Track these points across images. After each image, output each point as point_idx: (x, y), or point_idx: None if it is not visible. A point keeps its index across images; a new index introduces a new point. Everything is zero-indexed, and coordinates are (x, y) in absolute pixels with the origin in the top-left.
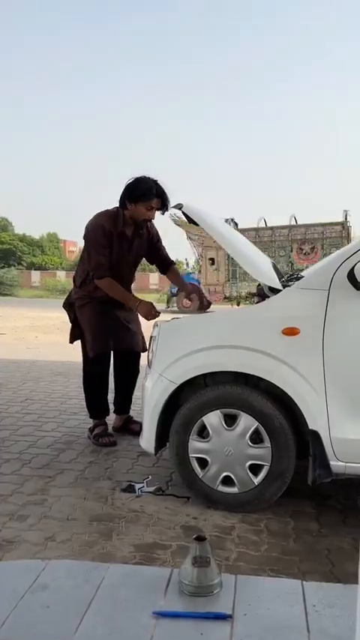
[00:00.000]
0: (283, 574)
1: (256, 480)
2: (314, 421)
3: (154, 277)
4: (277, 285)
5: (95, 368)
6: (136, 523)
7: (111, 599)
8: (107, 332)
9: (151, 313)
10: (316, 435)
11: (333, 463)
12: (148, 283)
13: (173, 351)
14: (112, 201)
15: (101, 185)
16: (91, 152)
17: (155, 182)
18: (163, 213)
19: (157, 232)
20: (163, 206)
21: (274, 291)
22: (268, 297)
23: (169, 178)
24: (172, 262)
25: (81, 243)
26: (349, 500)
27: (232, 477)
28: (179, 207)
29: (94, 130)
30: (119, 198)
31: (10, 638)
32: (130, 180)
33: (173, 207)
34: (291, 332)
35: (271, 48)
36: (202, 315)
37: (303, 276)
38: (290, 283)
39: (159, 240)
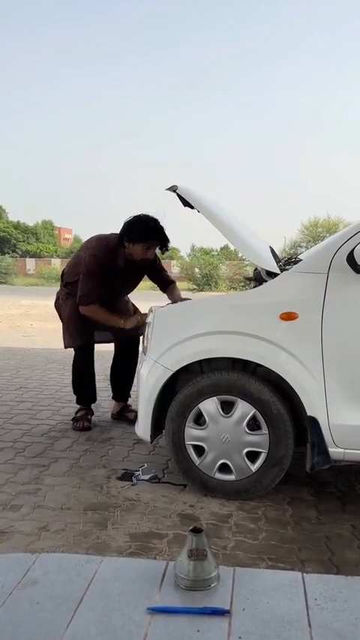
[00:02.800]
0: (282, 563)
1: (254, 468)
2: (312, 407)
3: None
4: (275, 268)
5: (78, 356)
6: (131, 512)
7: (104, 595)
8: (85, 325)
9: (140, 322)
10: (314, 421)
11: (332, 450)
12: None
13: (169, 337)
14: (107, 190)
15: (96, 172)
16: (86, 138)
17: (155, 222)
18: (163, 252)
19: (156, 255)
20: (163, 246)
21: (272, 275)
22: (266, 281)
23: (168, 164)
24: (172, 281)
25: (76, 231)
26: (348, 486)
27: (229, 464)
28: (174, 189)
29: (89, 116)
30: (119, 233)
31: None
32: (130, 218)
33: (167, 189)
34: (289, 317)
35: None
36: (198, 300)
37: (301, 260)
38: (288, 267)
39: (158, 262)
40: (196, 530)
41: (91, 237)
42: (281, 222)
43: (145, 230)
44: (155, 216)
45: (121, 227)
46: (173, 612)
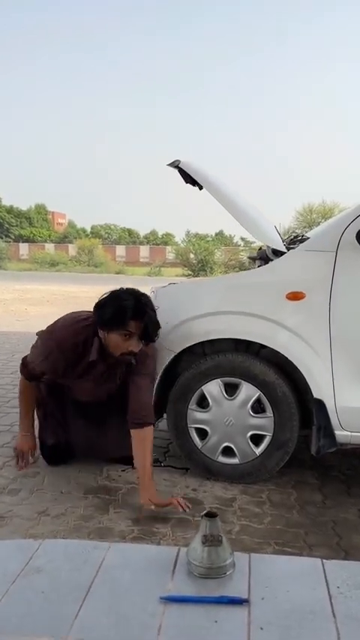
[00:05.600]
0: (289, 547)
1: (258, 451)
2: (319, 390)
3: (145, 250)
4: (281, 247)
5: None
6: (133, 496)
7: (113, 583)
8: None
9: (22, 455)
10: (320, 403)
11: (338, 433)
12: (139, 256)
13: (171, 318)
14: (101, 175)
15: (89, 155)
16: (79, 122)
17: (137, 298)
18: (146, 344)
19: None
20: (145, 335)
21: (278, 253)
22: (271, 260)
23: (163, 150)
24: (144, 423)
25: (70, 215)
26: (352, 470)
27: (233, 447)
28: (176, 164)
29: (84, 100)
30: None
31: (1, 628)
32: (102, 297)
33: (169, 164)
34: (295, 296)
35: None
36: (201, 279)
37: (308, 238)
38: (294, 246)
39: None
40: (211, 515)
41: (65, 315)
42: (274, 209)
43: (119, 310)
44: (138, 291)
45: (92, 309)
46: (188, 602)
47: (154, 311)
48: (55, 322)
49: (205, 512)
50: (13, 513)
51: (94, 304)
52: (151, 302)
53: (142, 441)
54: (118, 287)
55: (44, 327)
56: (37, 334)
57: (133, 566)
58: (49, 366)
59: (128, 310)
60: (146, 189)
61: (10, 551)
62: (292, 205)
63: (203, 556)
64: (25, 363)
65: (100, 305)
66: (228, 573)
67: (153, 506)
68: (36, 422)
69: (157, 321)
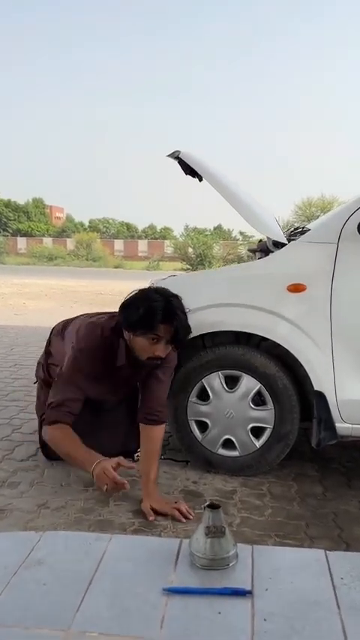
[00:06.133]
0: (290, 539)
1: (258, 443)
2: (320, 382)
3: (143, 244)
4: (282, 238)
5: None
6: (133, 488)
7: (115, 575)
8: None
9: (107, 482)
10: (321, 396)
11: (339, 425)
12: (137, 251)
13: None
14: (99, 169)
15: (87, 150)
16: (77, 117)
17: (167, 300)
18: (177, 350)
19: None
20: (175, 339)
21: (278, 245)
22: (272, 252)
23: (159, 145)
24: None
25: (68, 209)
26: (352, 462)
27: (233, 440)
28: (176, 155)
29: (81, 94)
30: (117, 319)
31: (2, 621)
32: (129, 296)
33: (168, 155)
34: (296, 288)
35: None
36: (201, 271)
37: (309, 229)
38: (295, 237)
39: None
40: (213, 507)
41: (81, 323)
42: (273, 204)
43: (148, 311)
44: (169, 291)
45: (118, 309)
46: (191, 593)
47: (184, 314)
48: (78, 337)
49: (207, 503)
50: (13, 506)
51: (120, 303)
52: (182, 304)
53: (152, 439)
54: (146, 286)
55: (42, 324)
56: (57, 376)
57: (134, 558)
58: (89, 384)
59: (158, 313)
60: (145, 184)
61: (11, 544)
62: (290, 200)
63: (206, 547)
64: (59, 404)
65: (127, 305)
66: (231, 565)
67: (152, 517)
68: (36, 422)
69: (188, 325)
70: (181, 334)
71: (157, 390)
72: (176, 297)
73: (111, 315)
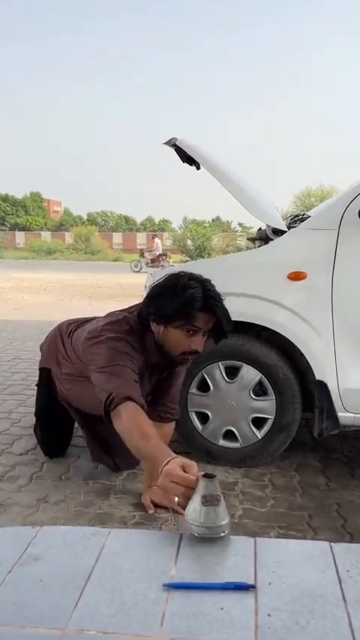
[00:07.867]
0: (293, 531)
1: (260, 434)
2: (321, 371)
3: (142, 237)
4: (282, 226)
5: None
6: (133, 481)
7: (114, 570)
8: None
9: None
10: (323, 385)
11: (341, 415)
12: (136, 243)
13: None
14: (96, 163)
15: (85, 143)
16: (75, 110)
17: (204, 286)
18: (217, 342)
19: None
20: (217, 331)
21: (278, 233)
22: (272, 239)
23: (158, 136)
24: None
25: (66, 203)
26: (355, 452)
27: (235, 431)
28: (172, 142)
29: (78, 86)
30: (140, 310)
31: None
32: (157, 285)
33: (165, 143)
34: (297, 276)
35: None
36: (200, 261)
37: (309, 216)
38: (295, 225)
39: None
40: (209, 476)
41: (99, 319)
42: (272, 193)
43: (187, 301)
44: (202, 277)
45: (144, 298)
46: (193, 588)
47: (222, 301)
48: (92, 326)
49: (203, 473)
50: (12, 501)
51: (146, 294)
52: (217, 290)
53: (161, 435)
54: (178, 271)
55: (41, 318)
56: (99, 369)
57: (134, 553)
58: (130, 366)
59: (196, 301)
60: (143, 176)
61: (7, 539)
62: (289, 190)
63: (201, 515)
64: (114, 388)
65: (157, 295)
66: (226, 533)
67: (152, 510)
68: (34, 420)
69: (229, 315)
70: (224, 324)
71: (173, 387)
72: (210, 282)
73: (128, 310)
